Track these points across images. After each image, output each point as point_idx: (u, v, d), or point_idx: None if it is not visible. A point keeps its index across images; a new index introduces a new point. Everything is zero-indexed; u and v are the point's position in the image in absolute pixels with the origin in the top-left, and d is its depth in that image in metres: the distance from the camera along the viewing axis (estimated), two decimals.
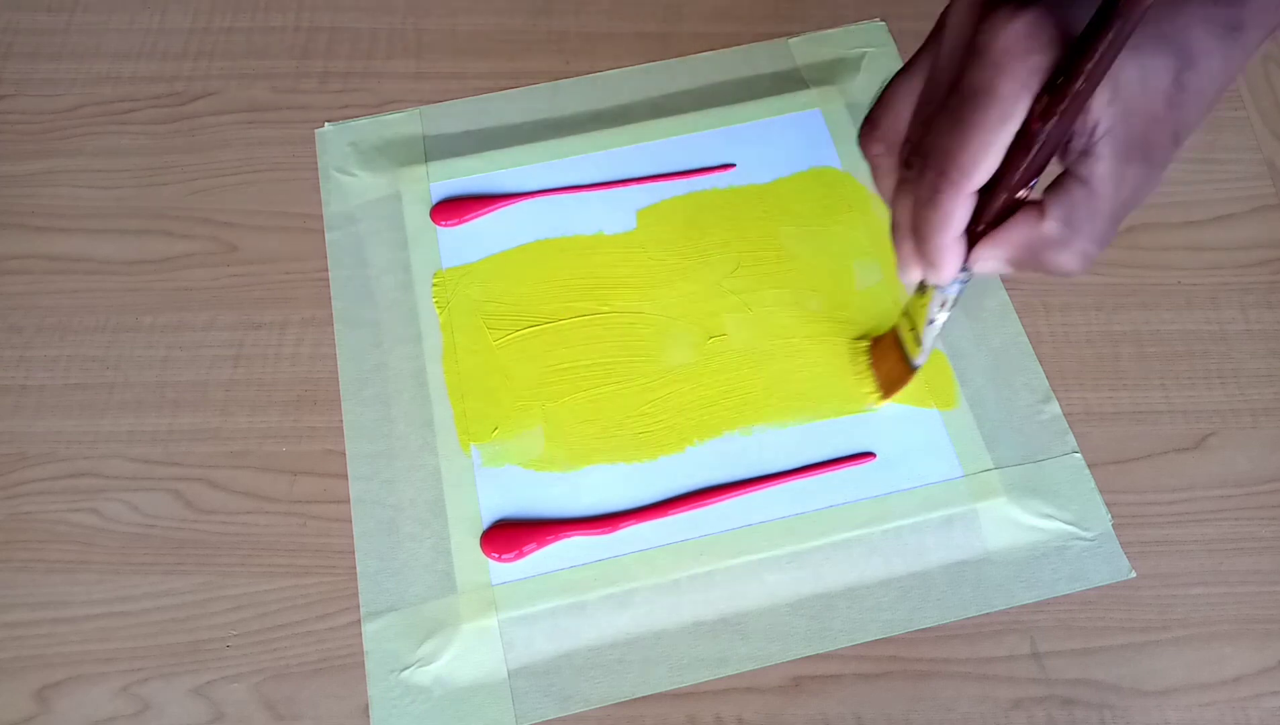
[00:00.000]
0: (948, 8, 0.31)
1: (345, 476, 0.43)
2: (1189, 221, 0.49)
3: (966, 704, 0.39)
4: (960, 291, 0.36)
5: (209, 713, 0.39)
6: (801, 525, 0.41)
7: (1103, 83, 0.28)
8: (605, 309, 0.46)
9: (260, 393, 0.45)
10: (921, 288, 0.37)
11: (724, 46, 0.54)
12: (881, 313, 0.46)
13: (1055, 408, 0.44)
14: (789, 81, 0.53)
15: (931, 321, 0.38)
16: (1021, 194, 0.31)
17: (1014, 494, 0.42)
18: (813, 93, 0.52)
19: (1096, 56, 0.27)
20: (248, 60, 0.55)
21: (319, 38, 0.55)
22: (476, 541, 0.41)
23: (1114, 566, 0.41)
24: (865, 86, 0.52)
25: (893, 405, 0.44)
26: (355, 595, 0.41)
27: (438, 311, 0.46)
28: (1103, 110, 0.29)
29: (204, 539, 0.42)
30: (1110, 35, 0.27)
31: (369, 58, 0.55)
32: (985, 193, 0.31)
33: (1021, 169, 0.30)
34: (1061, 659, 0.40)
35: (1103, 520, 0.42)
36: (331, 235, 0.49)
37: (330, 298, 0.47)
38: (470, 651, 0.40)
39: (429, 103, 0.53)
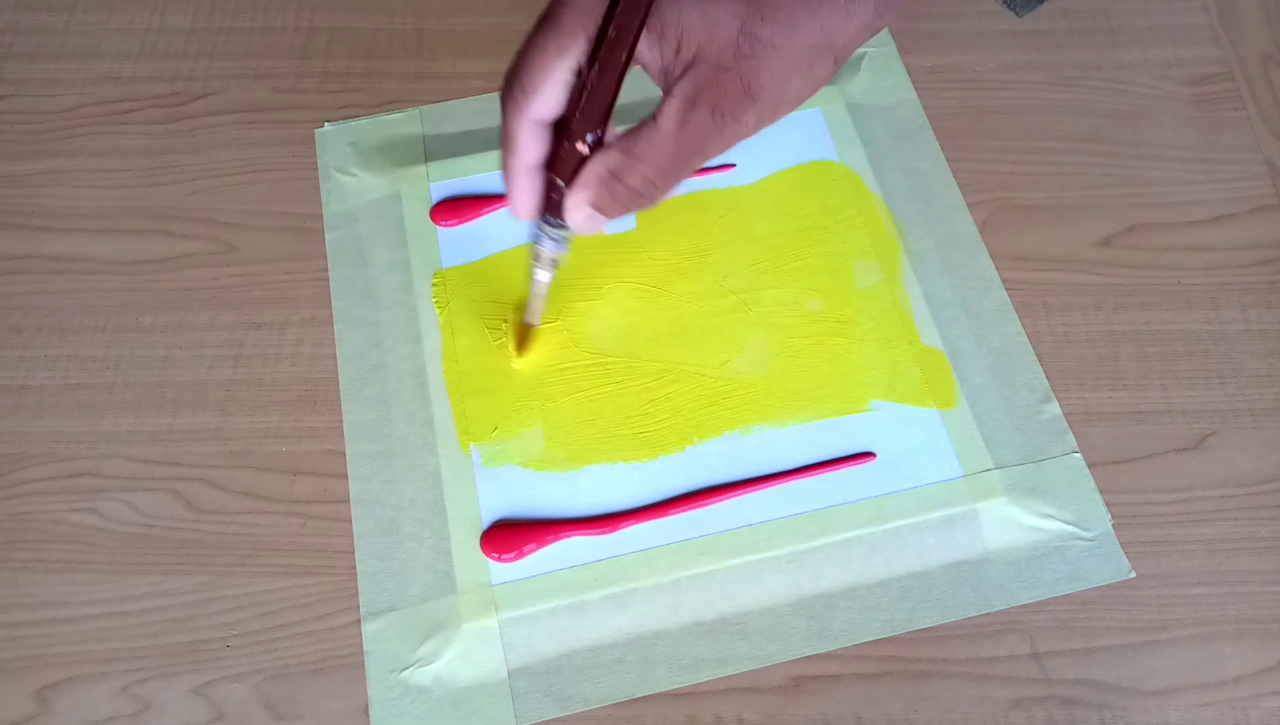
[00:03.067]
0: None
1: (345, 476, 0.43)
2: (1189, 221, 0.49)
3: (966, 704, 0.39)
4: (554, 252, 0.38)
5: (209, 713, 0.39)
6: (801, 525, 0.41)
7: (669, 26, 0.29)
8: (606, 309, 0.46)
9: (260, 393, 0.45)
10: (532, 246, 0.39)
11: None
12: (881, 313, 0.46)
13: (1055, 408, 0.44)
14: None
15: (536, 280, 0.39)
16: (582, 146, 0.32)
17: (1014, 494, 0.42)
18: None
19: (623, 10, 0.29)
20: (248, 60, 0.55)
21: (319, 38, 0.55)
22: (476, 541, 0.41)
23: (1114, 566, 0.41)
24: (865, 86, 0.52)
25: (893, 405, 0.44)
26: (355, 595, 0.41)
27: (438, 311, 0.46)
28: (673, 57, 0.30)
29: (204, 539, 0.42)
30: None
31: (369, 58, 0.55)
32: (558, 141, 0.32)
33: (576, 116, 0.31)
34: (1061, 659, 0.40)
35: (1103, 520, 0.42)
36: (331, 235, 0.49)
37: (330, 298, 0.47)
38: (470, 651, 0.40)
39: (429, 103, 0.53)
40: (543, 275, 0.39)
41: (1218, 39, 0.54)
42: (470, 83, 0.53)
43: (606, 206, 0.34)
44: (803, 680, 0.40)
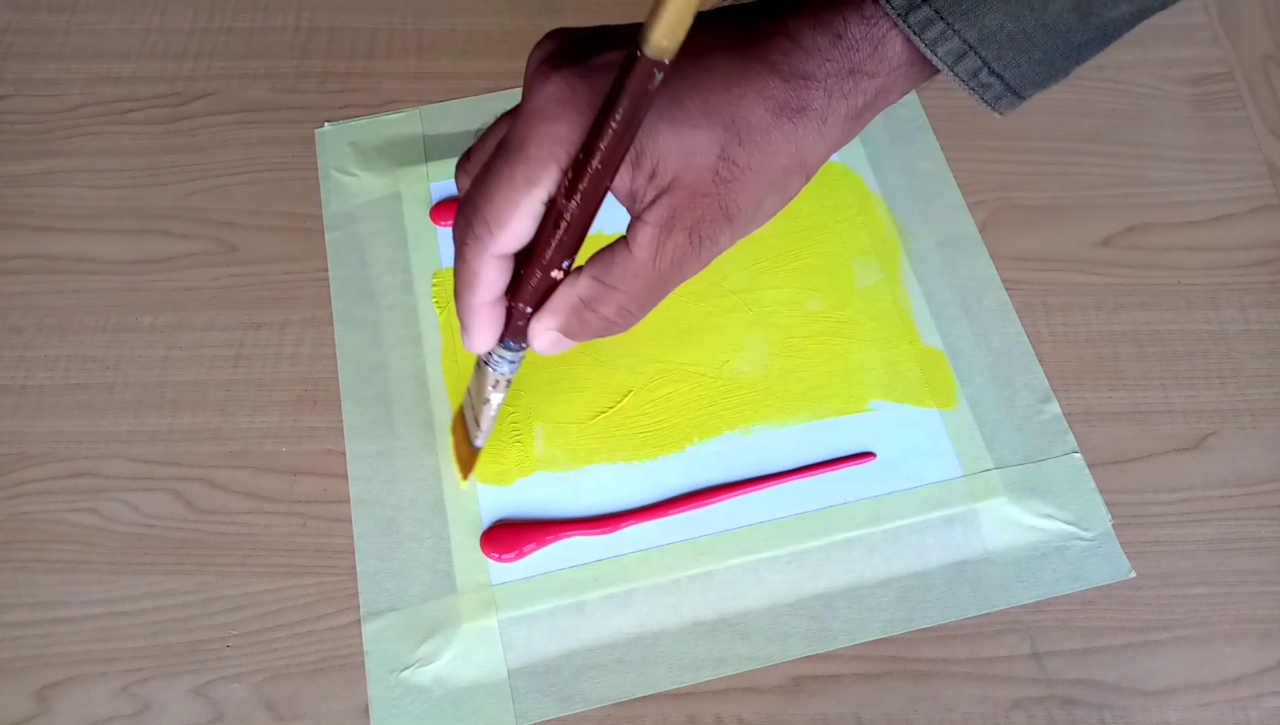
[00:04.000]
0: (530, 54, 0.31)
1: (345, 476, 0.43)
2: (1189, 221, 0.49)
3: (966, 704, 0.39)
4: (511, 373, 0.35)
5: (209, 713, 0.39)
6: (801, 525, 0.41)
7: (646, 154, 0.28)
8: None
9: (260, 393, 0.45)
10: (480, 363, 0.36)
11: None
12: (881, 313, 0.46)
13: (1055, 408, 0.44)
14: None
15: (486, 401, 0.36)
16: (557, 272, 0.30)
17: (1014, 494, 0.42)
18: None
19: (608, 136, 0.26)
20: (248, 60, 0.55)
21: (319, 38, 0.55)
22: (476, 541, 0.41)
23: (1114, 566, 0.41)
24: None
25: (893, 405, 0.44)
26: (355, 595, 0.41)
27: (438, 311, 0.46)
28: (646, 183, 0.28)
29: (204, 539, 0.42)
30: (618, 116, 0.26)
31: (369, 58, 0.55)
32: (526, 269, 0.30)
33: (551, 247, 0.29)
34: (1061, 659, 0.40)
35: (1103, 520, 0.42)
36: (331, 235, 0.49)
37: (330, 298, 0.47)
38: (470, 651, 0.40)
39: (429, 103, 0.53)
40: (496, 397, 0.36)
41: (1218, 39, 0.54)
42: (470, 83, 0.53)
43: (577, 333, 0.32)
44: (803, 680, 0.40)
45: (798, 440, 0.43)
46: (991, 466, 0.42)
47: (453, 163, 0.50)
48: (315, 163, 0.51)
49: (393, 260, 0.48)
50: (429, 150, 0.51)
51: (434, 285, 0.47)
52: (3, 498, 0.43)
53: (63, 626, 0.41)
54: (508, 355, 0.33)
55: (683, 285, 0.46)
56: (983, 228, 0.49)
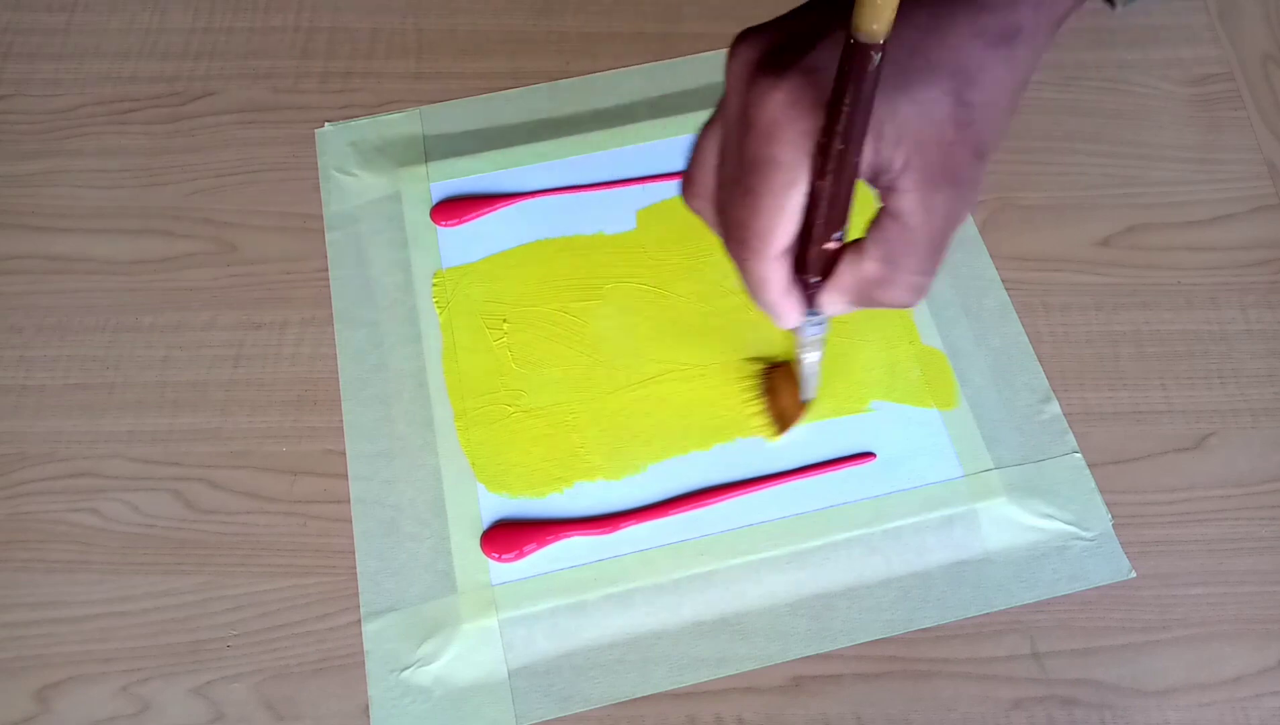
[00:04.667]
0: (727, 62, 0.31)
1: (345, 476, 0.43)
2: (1189, 221, 0.49)
3: (966, 704, 0.39)
4: (819, 333, 0.37)
5: (209, 713, 0.39)
6: (801, 525, 0.41)
7: (886, 123, 0.28)
8: (606, 309, 0.46)
9: (260, 393, 0.45)
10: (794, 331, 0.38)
11: (724, 47, 0.54)
12: (881, 313, 0.46)
13: (1055, 408, 0.44)
14: None
15: (802, 361, 0.39)
16: (832, 243, 0.31)
17: (1014, 494, 0.42)
18: None
19: (843, 119, 0.27)
20: (248, 60, 0.55)
21: (319, 38, 0.55)
22: (476, 541, 0.41)
23: (1114, 566, 0.41)
24: None
25: (893, 405, 0.44)
26: (355, 595, 0.41)
27: (438, 311, 0.46)
28: (894, 150, 0.29)
29: (204, 539, 0.42)
30: (849, 99, 0.27)
31: (369, 58, 0.55)
32: (803, 245, 0.31)
33: (819, 225, 0.30)
34: (1061, 659, 0.40)
35: (1103, 520, 0.42)
36: (331, 235, 0.49)
37: (330, 298, 0.47)
38: (470, 651, 0.40)
39: (429, 103, 0.53)
40: (814, 355, 0.39)
41: (1218, 39, 0.54)
42: (470, 83, 0.53)
43: (868, 305, 0.33)
44: (803, 680, 0.40)
45: (798, 440, 0.43)
46: (991, 466, 0.42)
47: (453, 163, 0.50)
48: (315, 163, 0.51)
49: (393, 260, 0.48)
50: (429, 150, 0.51)
51: (434, 285, 0.47)
52: (3, 498, 0.43)
53: (63, 626, 0.41)
54: (813, 320, 0.34)
55: (682, 285, 0.47)
56: (983, 227, 0.49)
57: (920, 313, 0.46)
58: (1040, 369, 0.45)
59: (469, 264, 0.48)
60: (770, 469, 0.43)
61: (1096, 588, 0.41)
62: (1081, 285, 0.47)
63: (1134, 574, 0.41)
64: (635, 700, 0.39)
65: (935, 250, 0.31)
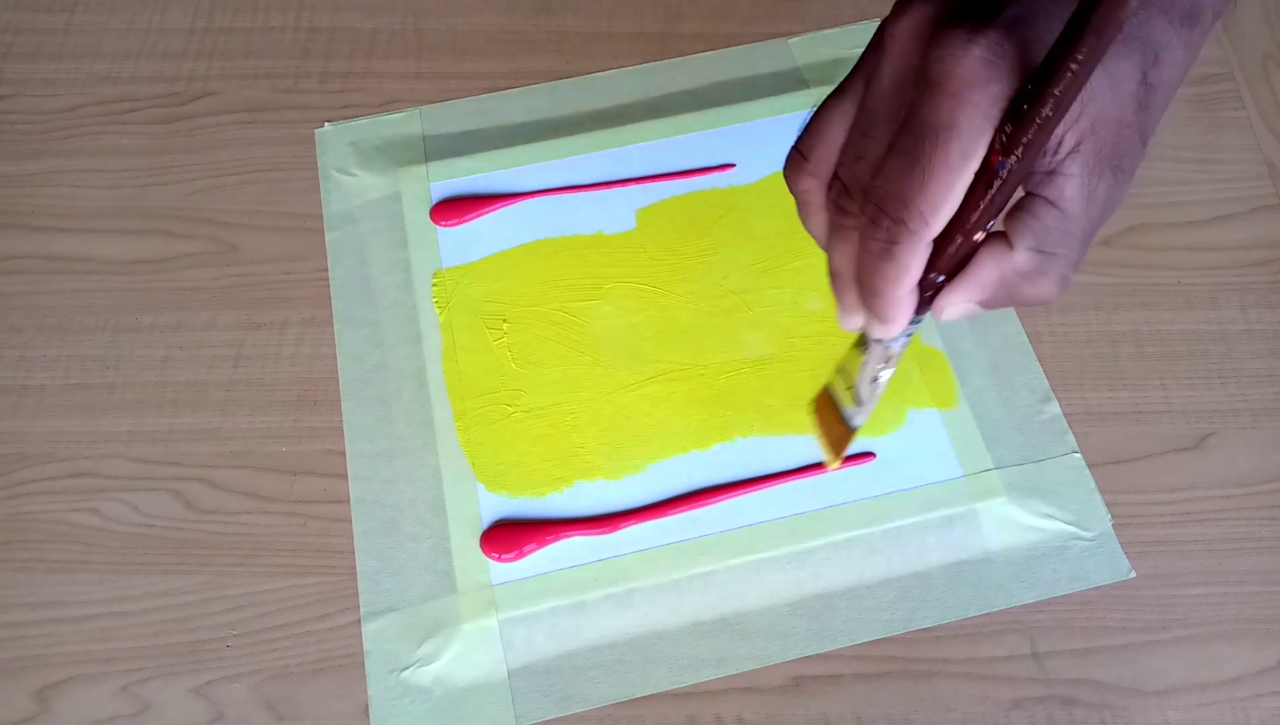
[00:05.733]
0: (885, 27, 0.28)
1: (345, 476, 0.43)
2: (1189, 221, 0.49)
3: (966, 704, 0.39)
4: (905, 345, 0.33)
5: (209, 713, 0.39)
6: (801, 525, 0.41)
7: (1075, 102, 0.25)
8: (606, 309, 0.46)
9: (260, 393, 0.45)
10: (860, 341, 0.34)
11: (723, 46, 0.54)
12: None
13: (1055, 408, 0.44)
14: (789, 81, 0.53)
15: (875, 379, 0.34)
16: (979, 237, 0.28)
17: (1014, 494, 0.42)
18: (813, 93, 0.52)
19: (1066, 79, 0.24)
20: (248, 60, 0.55)
21: (319, 38, 0.55)
22: (476, 541, 0.41)
23: (1114, 566, 0.41)
24: None
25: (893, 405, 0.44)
26: (355, 595, 0.41)
27: (438, 311, 0.46)
28: (1069, 127, 0.26)
29: (204, 539, 0.42)
30: (1081, 55, 0.24)
31: (369, 58, 0.55)
32: (939, 238, 0.28)
33: (980, 209, 0.27)
34: (1061, 659, 0.40)
35: (1103, 520, 0.42)
36: (331, 235, 0.49)
37: (330, 298, 0.47)
38: (470, 651, 0.40)
39: (429, 103, 0.53)
40: (887, 374, 0.34)
41: (1218, 39, 0.54)
42: (470, 83, 0.53)
43: (1004, 305, 0.30)
44: (803, 680, 0.40)
45: (798, 440, 0.43)
46: (991, 466, 0.42)
47: (453, 162, 0.50)
48: (315, 163, 0.51)
49: (393, 260, 0.48)
50: (429, 150, 0.51)
51: (434, 285, 0.47)
52: (3, 498, 0.43)
53: (63, 626, 0.41)
54: (909, 328, 0.30)
55: (682, 285, 0.47)
56: None
57: None
58: (1040, 369, 0.45)
59: (469, 264, 0.48)
60: (770, 469, 0.43)
61: (1096, 588, 0.41)
62: (1081, 285, 0.47)
63: (1134, 574, 0.41)
64: (635, 700, 0.39)
65: (1088, 240, 0.28)
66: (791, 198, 0.31)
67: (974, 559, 0.41)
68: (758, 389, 0.44)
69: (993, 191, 0.26)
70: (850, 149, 0.29)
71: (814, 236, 0.31)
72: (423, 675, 0.39)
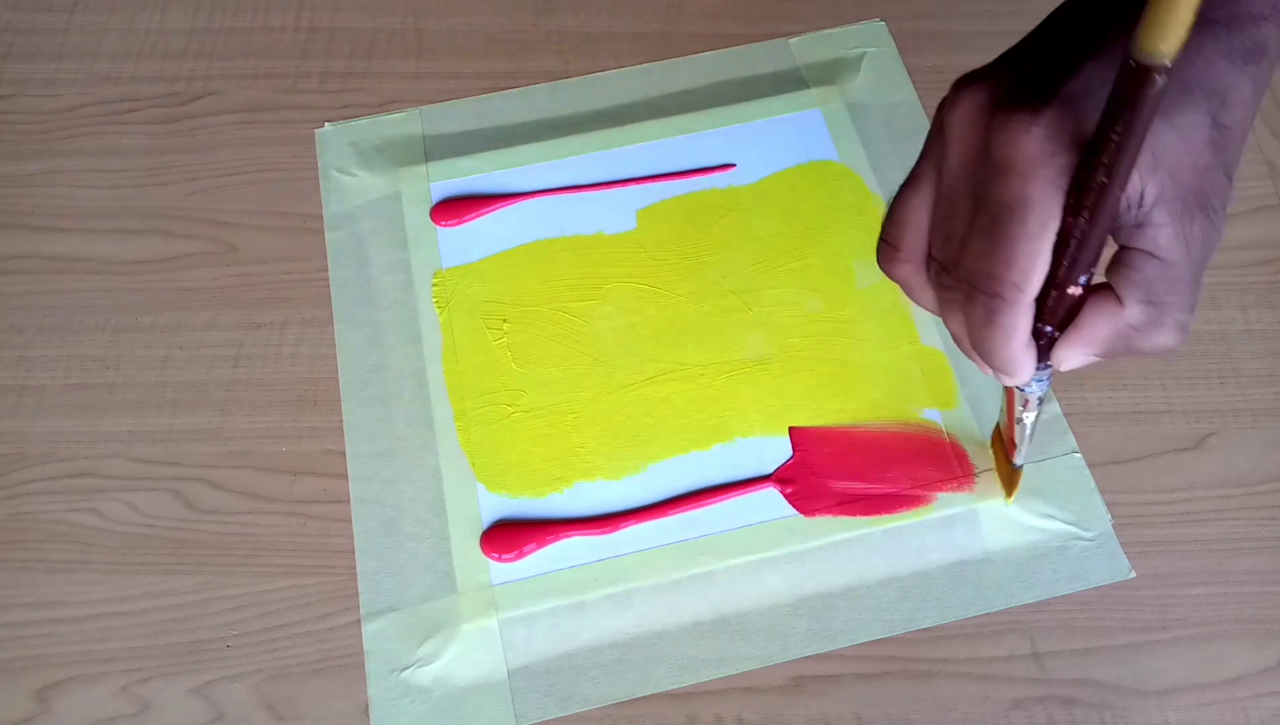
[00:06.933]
0: (944, 112, 0.29)
1: (345, 476, 0.43)
2: None
3: (966, 704, 0.39)
4: (1045, 388, 0.34)
5: (209, 713, 0.39)
6: (801, 525, 0.41)
7: (1144, 153, 0.27)
8: (606, 309, 0.46)
9: (260, 393, 0.45)
10: (1015, 391, 0.36)
11: (724, 46, 0.54)
12: (881, 313, 0.46)
13: (1055, 408, 0.44)
14: (789, 81, 0.53)
15: (1020, 421, 0.37)
16: (1075, 288, 0.29)
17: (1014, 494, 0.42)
18: (813, 93, 0.52)
19: (1111, 149, 0.26)
20: (248, 60, 0.55)
21: (319, 38, 0.55)
22: (476, 541, 0.41)
23: (1114, 566, 0.41)
24: (865, 86, 0.52)
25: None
26: (355, 595, 0.41)
27: (438, 311, 0.46)
28: (1147, 179, 0.27)
29: (204, 539, 0.42)
30: (1120, 128, 0.25)
31: (369, 58, 0.55)
32: (1043, 294, 0.29)
33: (1066, 265, 0.28)
34: (1061, 659, 0.40)
35: (1103, 520, 0.42)
36: (331, 235, 0.49)
37: (330, 298, 0.47)
38: (470, 651, 0.40)
39: (429, 103, 0.53)
40: (1030, 416, 0.36)
41: None
42: (470, 83, 0.53)
43: (1121, 354, 0.31)
44: (803, 680, 0.40)
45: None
46: (992, 466, 0.42)
47: (453, 163, 0.50)
48: (315, 163, 0.51)
49: (393, 260, 0.48)
50: (429, 150, 0.51)
51: (434, 285, 0.47)
52: (3, 498, 0.43)
53: (63, 626, 0.41)
54: (1038, 375, 0.32)
55: (682, 285, 0.47)
56: None
57: (920, 313, 0.46)
58: None
59: (469, 264, 0.48)
60: (770, 469, 0.43)
61: (1096, 588, 0.41)
62: None
63: (1134, 574, 0.41)
64: (635, 700, 0.39)
65: (1197, 282, 0.29)
66: (792, 196, 0.32)
67: (974, 559, 0.41)
68: (758, 389, 0.44)
69: (1072, 249, 0.28)
70: (938, 231, 0.31)
71: (926, 309, 0.33)
72: (423, 675, 0.39)
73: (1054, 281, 0.29)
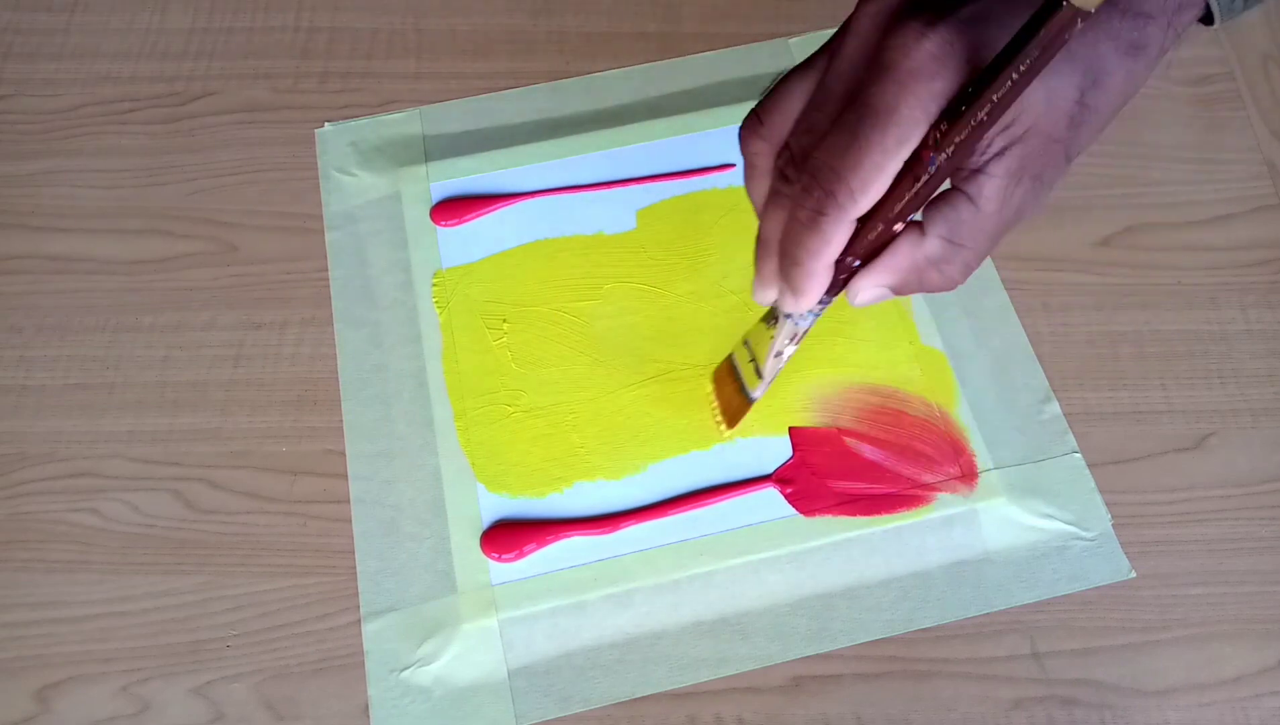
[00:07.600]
0: (854, 12, 0.29)
1: (345, 476, 0.43)
2: (1189, 221, 0.49)
3: (966, 704, 0.39)
4: (811, 324, 0.34)
5: (209, 713, 0.39)
6: (802, 525, 0.41)
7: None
8: (606, 309, 0.46)
9: (260, 393, 0.45)
10: (770, 316, 0.35)
11: (724, 46, 0.54)
12: (881, 313, 0.46)
13: (1055, 408, 0.44)
14: None
15: (778, 354, 0.36)
16: (898, 228, 0.29)
17: (1014, 494, 0.42)
18: None
19: (1005, 87, 0.25)
20: (248, 60, 0.55)
21: (319, 38, 0.55)
22: (476, 541, 0.41)
23: (1114, 566, 0.41)
24: None
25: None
26: (355, 595, 0.41)
27: (438, 311, 0.46)
28: (1000, 131, 0.28)
29: (204, 539, 0.42)
30: (1024, 65, 0.25)
31: (369, 58, 0.55)
32: (861, 222, 0.29)
33: (905, 200, 0.28)
34: (1061, 659, 0.40)
35: (1103, 520, 0.42)
36: (331, 235, 0.49)
37: (330, 298, 0.47)
38: (470, 651, 0.40)
39: (429, 103, 0.53)
40: (791, 350, 0.36)
41: (1218, 39, 0.54)
42: (470, 83, 0.53)
43: (912, 290, 0.31)
44: (803, 680, 0.40)
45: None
46: (991, 467, 0.42)
47: (453, 162, 0.50)
48: (315, 163, 0.51)
49: (393, 260, 0.48)
50: (429, 150, 0.51)
51: (434, 285, 0.47)
52: (3, 498, 0.43)
53: (63, 626, 0.41)
54: (817, 308, 0.32)
55: (682, 285, 0.47)
56: None
57: (920, 313, 0.46)
58: (1040, 369, 0.45)
59: (469, 264, 0.48)
60: (770, 469, 0.43)
61: (1096, 588, 0.41)
62: (1081, 285, 0.47)
63: (1134, 574, 0.41)
64: (635, 700, 0.39)
65: (994, 242, 0.30)
66: None
67: (974, 559, 0.41)
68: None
69: (919, 185, 0.28)
70: (803, 120, 0.30)
71: (752, 201, 0.33)
72: (423, 675, 0.39)
73: (882, 213, 0.29)
